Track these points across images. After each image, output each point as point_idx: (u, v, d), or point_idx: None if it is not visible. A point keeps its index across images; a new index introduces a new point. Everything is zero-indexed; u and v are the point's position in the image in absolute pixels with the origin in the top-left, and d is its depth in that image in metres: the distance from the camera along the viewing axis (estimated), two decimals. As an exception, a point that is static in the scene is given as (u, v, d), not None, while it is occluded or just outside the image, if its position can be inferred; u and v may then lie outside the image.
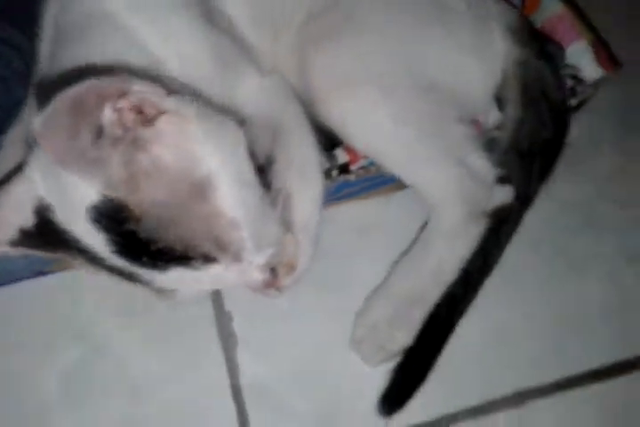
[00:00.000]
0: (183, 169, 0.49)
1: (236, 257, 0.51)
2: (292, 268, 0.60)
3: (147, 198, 0.47)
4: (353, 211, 0.78)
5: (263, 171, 0.62)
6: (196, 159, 0.49)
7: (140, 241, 0.48)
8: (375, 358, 0.68)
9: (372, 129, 0.64)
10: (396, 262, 0.70)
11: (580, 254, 0.78)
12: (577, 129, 0.71)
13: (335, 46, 0.64)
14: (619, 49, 0.78)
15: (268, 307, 0.72)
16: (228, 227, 0.50)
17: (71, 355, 0.72)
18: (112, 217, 0.47)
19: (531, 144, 0.68)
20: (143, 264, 0.49)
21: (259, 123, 0.64)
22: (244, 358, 0.73)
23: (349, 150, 0.67)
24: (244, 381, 0.72)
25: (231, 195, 0.50)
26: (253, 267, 0.53)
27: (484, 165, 0.66)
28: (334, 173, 0.67)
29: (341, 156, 0.67)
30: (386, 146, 0.64)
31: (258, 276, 0.54)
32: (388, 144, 0.64)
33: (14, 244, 0.52)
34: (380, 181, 0.71)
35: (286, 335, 0.73)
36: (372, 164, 0.68)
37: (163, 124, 0.48)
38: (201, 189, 0.49)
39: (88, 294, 0.74)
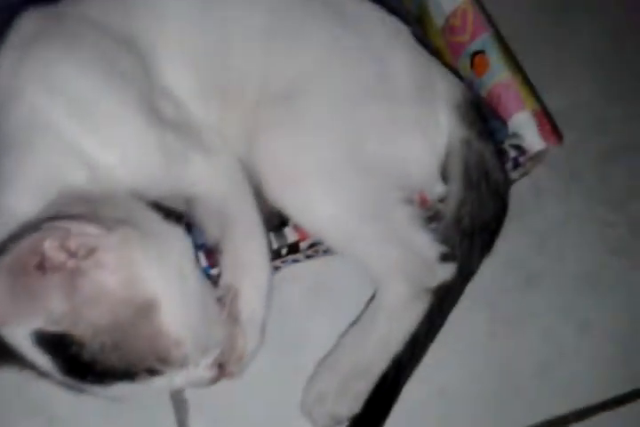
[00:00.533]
0: (127, 293, 0.51)
1: (182, 366, 0.54)
2: (239, 358, 0.62)
3: (90, 326, 0.49)
4: (307, 268, 0.80)
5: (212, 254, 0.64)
6: (139, 283, 0.51)
7: (85, 363, 0.49)
8: (324, 424, 0.72)
9: (316, 216, 0.65)
10: (344, 334, 0.73)
11: (517, 311, 0.82)
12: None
13: (278, 136, 0.65)
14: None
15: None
16: (173, 346, 0.52)
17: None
18: (55, 344, 0.49)
19: (472, 222, 0.70)
20: (88, 382, 0.51)
21: (207, 207, 0.66)
22: (197, 424, 0.75)
23: (298, 228, 0.69)
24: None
25: (176, 315, 0.52)
26: (200, 369, 0.56)
27: (427, 244, 0.69)
28: (283, 251, 0.69)
29: (290, 234, 0.69)
30: (329, 231, 0.66)
31: (206, 375, 0.57)
32: (332, 229, 0.66)
33: None
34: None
35: (240, 399, 0.75)
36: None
37: (102, 254, 0.50)
38: (145, 312, 0.51)
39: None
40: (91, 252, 0.49)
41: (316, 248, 0.70)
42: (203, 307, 0.56)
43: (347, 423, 0.71)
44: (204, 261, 0.65)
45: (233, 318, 0.61)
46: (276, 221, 0.69)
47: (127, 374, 0.51)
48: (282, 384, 0.76)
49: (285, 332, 0.78)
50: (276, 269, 0.71)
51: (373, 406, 0.70)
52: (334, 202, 0.65)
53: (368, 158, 0.67)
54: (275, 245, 0.69)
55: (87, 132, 0.57)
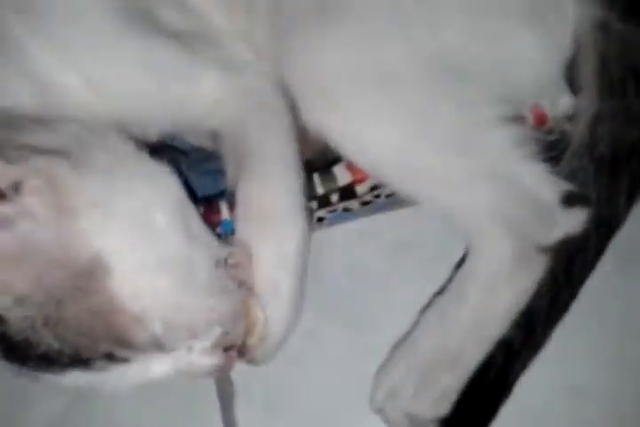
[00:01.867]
0: (62, 252, 0.37)
1: (158, 350, 0.41)
2: (260, 339, 0.46)
3: (13, 296, 0.37)
4: (382, 223, 0.61)
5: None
6: (78, 238, 0.36)
7: (17, 344, 0.38)
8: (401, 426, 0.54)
9: (374, 147, 0.46)
10: (425, 308, 0.54)
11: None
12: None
13: (316, 37, 0.46)
14: None
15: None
16: (132, 324, 0.39)
17: (55, 406, 0.64)
18: None
19: (613, 147, 0.47)
20: (32, 368, 0.40)
21: (228, 140, 0.49)
22: (244, 414, 0.60)
23: (352, 167, 0.50)
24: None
25: (133, 283, 0.39)
26: (195, 354, 0.42)
27: (542, 182, 0.47)
28: (333, 197, 0.50)
29: (341, 174, 0.50)
30: (395, 168, 0.47)
31: (204, 361, 0.43)
32: (398, 165, 0.46)
33: None
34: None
35: (297, 383, 0.60)
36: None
37: (28, 195, 0.35)
38: (90, 278, 0.38)
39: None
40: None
41: (378, 192, 0.50)
42: (186, 272, 0.41)
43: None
44: (225, 213, 0.49)
45: (246, 288, 0.45)
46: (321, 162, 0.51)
47: (78, 360, 0.39)
48: (348, 368, 0.59)
49: (355, 303, 0.61)
50: (320, 220, 0.52)
51: (470, 408, 0.52)
52: (399, 124, 0.45)
53: (448, 60, 0.46)
54: (320, 190, 0.50)
55: (36, 37, 0.43)
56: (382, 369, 0.54)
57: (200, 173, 0.54)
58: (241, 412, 0.60)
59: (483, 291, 0.49)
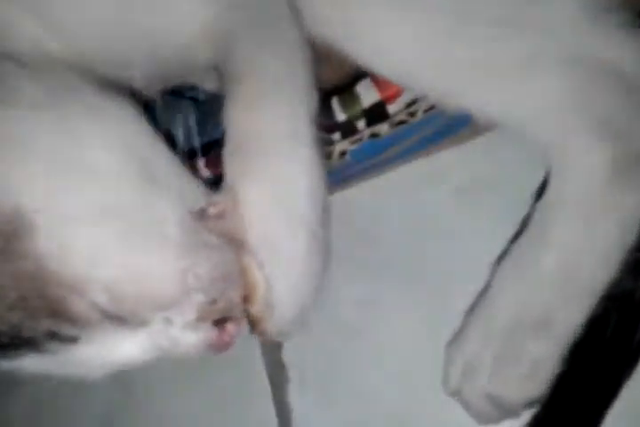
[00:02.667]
0: None
1: (113, 324, 0.33)
2: (268, 307, 0.36)
3: None
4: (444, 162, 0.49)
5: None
6: None
7: None
8: (484, 413, 0.42)
9: (402, 43, 0.34)
10: (500, 260, 0.41)
11: None
12: None
13: None
14: None
15: (329, 319, 0.49)
16: (66, 293, 0.31)
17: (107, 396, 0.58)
18: None
19: None
20: None
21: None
22: (298, 399, 0.51)
23: (380, 82, 0.38)
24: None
25: (64, 240, 0.31)
26: (177, 327, 0.34)
27: (631, 56, 0.33)
28: (359, 123, 0.39)
29: (367, 92, 0.39)
30: (433, 66, 0.34)
31: (190, 337, 0.34)
32: (437, 61, 0.34)
33: None
34: (440, 127, 0.41)
35: (356, 367, 0.49)
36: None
37: None
38: (10, 237, 0.30)
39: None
40: None
41: (415, 107, 0.38)
42: (140, 224, 0.32)
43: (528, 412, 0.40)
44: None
45: (237, 245, 0.35)
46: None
47: (22, 341, 0.32)
48: (417, 343, 0.48)
49: (419, 260, 0.49)
50: (342, 155, 0.41)
51: (575, 389, 0.39)
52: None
53: None
54: (341, 117, 0.39)
55: None
56: (454, 341, 0.42)
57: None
58: (295, 399, 0.51)
59: (572, 225, 0.36)
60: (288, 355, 0.51)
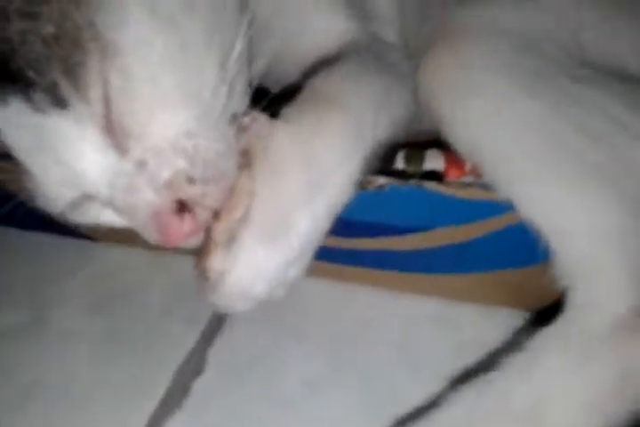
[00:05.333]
0: None
1: (101, 118, 0.32)
2: (228, 237, 0.33)
3: None
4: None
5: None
6: None
7: None
8: None
9: (480, 108, 0.35)
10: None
11: None
12: None
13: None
14: None
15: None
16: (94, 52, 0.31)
17: None
18: None
19: None
20: None
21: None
22: None
23: (452, 159, 0.39)
24: None
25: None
26: (143, 177, 0.33)
27: None
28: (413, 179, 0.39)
29: (434, 160, 0.39)
30: (500, 141, 0.35)
31: (147, 194, 0.33)
32: (505, 139, 0.34)
33: None
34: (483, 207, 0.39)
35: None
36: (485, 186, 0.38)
37: None
38: None
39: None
40: None
41: (467, 190, 0.38)
42: (194, 88, 0.33)
43: None
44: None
45: (244, 162, 0.34)
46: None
47: (22, 79, 0.31)
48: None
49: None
50: (381, 187, 0.39)
51: None
52: (523, 86, 0.35)
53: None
54: (399, 166, 0.39)
55: None
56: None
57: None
58: None
59: (564, 365, 0.32)
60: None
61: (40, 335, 0.51)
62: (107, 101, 0.31)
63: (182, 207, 0.33)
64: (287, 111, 0.35)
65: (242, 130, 0.34)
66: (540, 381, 0.33)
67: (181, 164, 0.33)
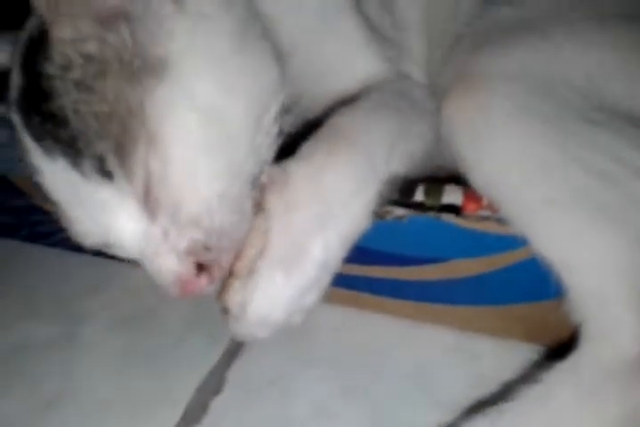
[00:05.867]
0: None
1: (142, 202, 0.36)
2: (248, 272, 0.36)
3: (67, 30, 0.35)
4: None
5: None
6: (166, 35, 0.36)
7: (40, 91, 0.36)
8: None
9: (496, 149, 0.37)
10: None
11: None
12: None
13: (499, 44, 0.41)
14: None
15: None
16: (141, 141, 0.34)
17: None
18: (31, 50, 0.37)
19: None
20: (31, 128, 0.37)
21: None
22: None
23: (470, 193, 0.41)
24: None
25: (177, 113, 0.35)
26: (168, 243, 0.36)
27: None
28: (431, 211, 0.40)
29: (453, 194, 0.41)
30: (514, 180, 0.36)
31: (168, 260, 0.36)
32: (519, 178, 0.36)
33: None
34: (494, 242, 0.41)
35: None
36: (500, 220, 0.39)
37: None
38: (145, 70, 0.35)
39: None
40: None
41: (484, 224, 0.39)
42: (224, 160, 0.37)
43: None
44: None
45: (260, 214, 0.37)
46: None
47: (72, 147, 0.35)
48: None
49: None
50: (399, 218, 0.40)
51: None
52: (538, 134, 0.36)
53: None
54: (418, 199, 0.41)
55: None
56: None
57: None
58: None
59: (576, 402, 0.33)
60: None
61: (67, 349, 0.53)
62: (147, 182, 0.35)
63: (201, 267, 0.37)
64: (302, 148, 0.38)
65: (260, 189, 0.37)
66: (552, 413, 0.34)
67: (199, 235, 0.36)
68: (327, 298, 0.50)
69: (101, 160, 0.34)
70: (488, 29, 0.44)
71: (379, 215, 0.40)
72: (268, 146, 0.38)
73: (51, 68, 0.35)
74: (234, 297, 0.36)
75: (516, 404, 0.34)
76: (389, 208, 0.40)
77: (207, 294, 0.38)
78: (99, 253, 0.59)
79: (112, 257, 0.58)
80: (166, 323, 0.54)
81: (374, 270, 0.46)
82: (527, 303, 0.43)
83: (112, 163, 0.34)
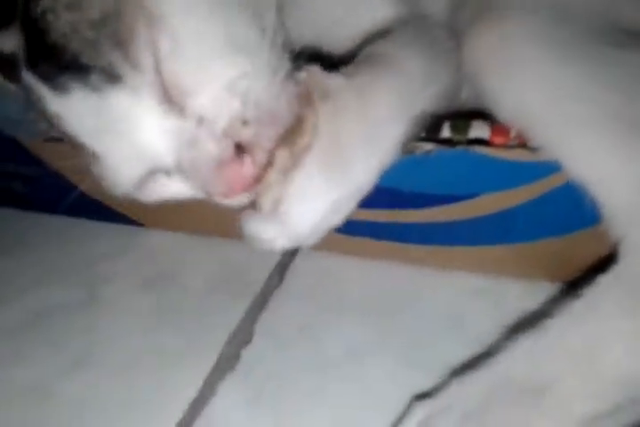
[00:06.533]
0: None
1: (156, 85, 0.34)
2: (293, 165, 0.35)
3: None
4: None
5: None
6: None
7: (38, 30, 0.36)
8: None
9: (525, 74, 0.37)
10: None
11: None
12: None
13: None
14: None
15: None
16: (140, 25, 0.34)
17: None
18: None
19: None
20: (39, 73, 0.37)
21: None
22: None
23: (497, 127, 0.41)
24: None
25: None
26: (203, 131, 0.35)
27: None
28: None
29: (480, 129, 0.41)
30: (544, 103, 0.36)
31: (209, 146, 0.35)
32: (549, 100, 0.36)
33: None
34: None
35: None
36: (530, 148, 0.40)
37: None
38: None
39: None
40: None
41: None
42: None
43: None
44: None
45: (306, 101, 0.36)
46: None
47: (79, 66, 0.34)
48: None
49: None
50: (428, 152, 0.41)
51: None
52: (563, 56, 0.37)
53: None
54: (445, 135, 0.41)
55: None
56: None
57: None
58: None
59: (620, 312, 0.33)
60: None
61: (92, 311, 0.53)
62: (158, 67, 0.34)
63: (241, 152, 0.35)
64: (344, 70, 0.38)
65: (300, 81, 0.37)
66: (596, 324, 0.33)
67: (236, 105, 0.35)
68: (356, 249, 0.50)
69: (107, 64, 0.34)
70: None
71: (407, 150, 0.40)
72: (280, 37, 0.38)
73: (40, 5, 0.35)
74: (269, 191, 0.35)
75: (558, 320, 0.35)
76: (418, 144, 0.41)
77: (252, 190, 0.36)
78: (120, 219, 0.60)
79: (132, 222, 0.60)
80: (190, 283, 0.54)
81: (403, 215, 0.46)
82: (555, 237, 0.43)
83: (117, 61, 0.34)
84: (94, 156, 0.38)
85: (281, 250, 0.37)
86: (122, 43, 0.34)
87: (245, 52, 0.36)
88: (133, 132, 0.36)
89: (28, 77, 0.39)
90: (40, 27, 0.35)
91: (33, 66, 0.37)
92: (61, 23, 0.34)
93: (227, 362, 0.46)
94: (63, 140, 0.53)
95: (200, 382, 0.45)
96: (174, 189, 0.40)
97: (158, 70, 0.34)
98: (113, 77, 0.34)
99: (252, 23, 0.37)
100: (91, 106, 0.35)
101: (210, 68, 0.35)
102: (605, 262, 0.37)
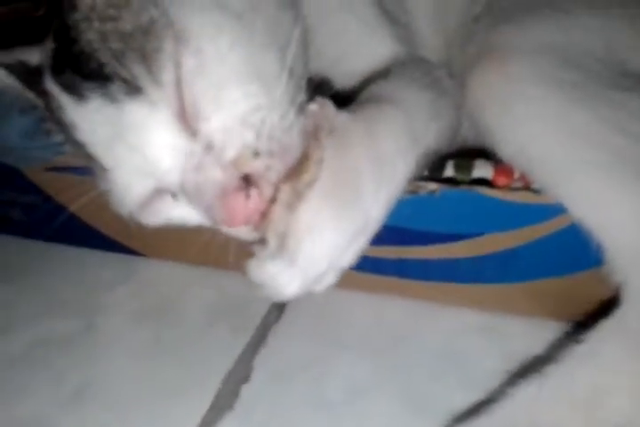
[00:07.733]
0: None
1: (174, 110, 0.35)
2: (302, 182, 0.35)
3: None
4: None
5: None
6: None
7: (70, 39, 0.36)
8: None
9: (528, 116, 0.37)
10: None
11: None
12: None
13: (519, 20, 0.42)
14: None
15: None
16: (166, 44, 0.34)
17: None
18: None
19: None
20: (62, 80, 0.38)
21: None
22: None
23: (500, 167, 0.41)
24: None
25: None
26: (211, 156, 0.35)
27: None
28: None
29: (483, 168, 0.41)
30: (547, 144, 0.37)
31: (214, 172, 0.35)
32: (552, 141, 0.36)
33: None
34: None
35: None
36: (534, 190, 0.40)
37: None
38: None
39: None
40: None
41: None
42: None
43: None
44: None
45: (313, 137, 0.36)
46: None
47: (102, 75, 0.35)
48: None
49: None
50: (432, 192, 0.41)
51: None
52: (568, 101, 0.37)
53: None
54: (448, 174, 0.41)
55: None
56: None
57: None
58: None
59: (623, 356, 0.33)
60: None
61: (91, 342, 0.53)
62: (178, 84, 0.34)
63: (247, 184, 0.35)
64: (349, 107, 0.38)
65: (309, 114, 0.37)
66: (599, 369, 0.34)
67: (249, 137, 0.35)
68: (356, 284, 0.50)
69: (130, 76, 0.34)
70: (506, 8, 0.45)
71: (411, 190, 0.40)
72: (299, 69, 0.39)
73: (76, 15, 0.36)
74: (275, 225, 0.34)
75: (561, 365, 0.34)
76: (422, 183, 0.40)
77: (253, 223, 0.36)
78: (119, 249, 0.60)
79: (131, 252, 0.60)
80: (189, 314, 0.54)
81: (403, 251, 0.46)
82: (557, 277, 0.43)
83: (139, 73, 0.34)
84: (103, 169, 0.38)
85: (292, 297, 0.35)
86: (147, 56, 0.34)
87: (263, 82, 0.36)
88: (143, 146, 0.36)
89: (51, 85, 0.39)
90: (72, 35, 0.36)
91: (58, 73, 0.38)
92: (92, 33, 0.35)
93: (225, 400, 0.45)
94: (64, 170, 0.53)
95: (198, 420, 0.44)
96: (179, 212, 0.40)
97: (179, 87, 0.34)
98: (133, 89, 0.34)
99: (273, 55, 0.37)
100: (107, 116, 0.36)
101: (227, 95, 0.35)
102: (609, 304, 0.37)
